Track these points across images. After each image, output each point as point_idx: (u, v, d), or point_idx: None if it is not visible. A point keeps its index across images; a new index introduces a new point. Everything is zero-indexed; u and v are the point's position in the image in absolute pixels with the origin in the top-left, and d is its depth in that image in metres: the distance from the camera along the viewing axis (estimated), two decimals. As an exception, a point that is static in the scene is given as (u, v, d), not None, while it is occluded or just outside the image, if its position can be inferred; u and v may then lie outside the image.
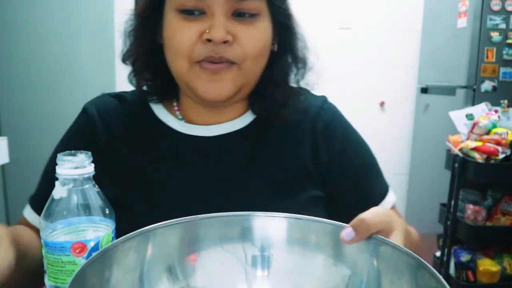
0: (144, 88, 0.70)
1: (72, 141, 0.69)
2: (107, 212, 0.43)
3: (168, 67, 0.64)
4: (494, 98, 2.36)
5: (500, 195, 2.09)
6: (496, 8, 2.46)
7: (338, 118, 0.72)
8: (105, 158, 0.65)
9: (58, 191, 0.41)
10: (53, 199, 0.41)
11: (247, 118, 0.70)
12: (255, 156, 0.67)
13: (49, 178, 0.67)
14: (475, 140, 1.94)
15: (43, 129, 2.92)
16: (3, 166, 2.38)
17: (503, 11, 2.46)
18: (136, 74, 0.69)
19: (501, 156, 1.86)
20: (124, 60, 0.69)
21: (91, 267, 0.37)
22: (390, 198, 0.72)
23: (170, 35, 0.61)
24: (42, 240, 0.41)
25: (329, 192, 0.69)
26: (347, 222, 0.70)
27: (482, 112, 2.08)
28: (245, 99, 0.70)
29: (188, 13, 0.59)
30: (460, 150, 1.95)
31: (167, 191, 0.66)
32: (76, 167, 0.41)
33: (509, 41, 2.46)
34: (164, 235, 0.45)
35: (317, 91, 0.76)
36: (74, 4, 2.88)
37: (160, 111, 0.70)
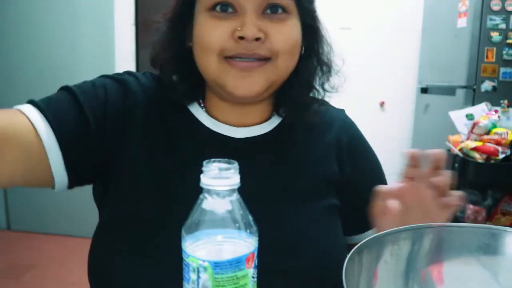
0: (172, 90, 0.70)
1: (114, 94, 0.65)
2: (251, 218, 0.42)
3: (196, 70, 0.65)
4: (494, 98, 2.36)
5: (500, 195, 2.09)
6: (496, 8, 2.46)
7: (356, 130, 0.77)
8: (135, 139, 0.64)
9: (210, 204, 0.40)
10: (202, 212, 0.40)
11: (273, 122, 0.71)
12: (280, 161, 0.68)
13: (68, 102, 0.62)
14: (475, 140, 1.94)
15: (43, 129, 2.92)
16: (3, 166, 2.37)
17: (503, 11, 2.46)
18: (165, 77, 0.69)
19: (501, 156, 1.86)
20: (153, 64, 0.69)
21: (366, 247, 0.43)
22: None
23: (201, 33, 0.61)
24: (205, 262, 0.38)
25: (346, 199, 0.71)
26: (360, 225, 0.72)
27: (482, 112, 2.08)
28: (270, 101, 0.71)
29: (219, 10, 0.60)
30: (460, 150, 1.96)
31: (190, 189, 0.64)
32: (226, 177, 0.40)
33: (509, 41, 2.46)
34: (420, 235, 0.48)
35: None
36: (75, 4, 2.88)
37: (193, 106, 0.70)
